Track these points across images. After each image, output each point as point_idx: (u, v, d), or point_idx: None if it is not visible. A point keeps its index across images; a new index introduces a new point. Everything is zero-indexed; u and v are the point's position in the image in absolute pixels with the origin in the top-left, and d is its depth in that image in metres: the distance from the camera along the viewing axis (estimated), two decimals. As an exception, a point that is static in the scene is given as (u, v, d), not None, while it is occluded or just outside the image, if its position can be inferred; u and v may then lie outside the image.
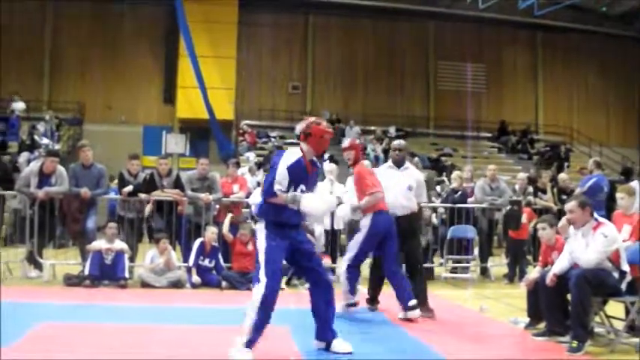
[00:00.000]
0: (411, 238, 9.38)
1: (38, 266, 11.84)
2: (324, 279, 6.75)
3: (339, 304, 8.44)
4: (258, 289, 6.22)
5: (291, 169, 6.39)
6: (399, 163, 9.53)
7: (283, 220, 6.48)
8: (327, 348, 6.70)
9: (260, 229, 6.52)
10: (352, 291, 8.87)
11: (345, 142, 9.35)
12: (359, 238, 8.81)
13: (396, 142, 9.87)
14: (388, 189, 9.13)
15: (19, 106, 26.28)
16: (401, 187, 9.30)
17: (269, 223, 6.47)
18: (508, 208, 13.27)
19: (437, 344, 7.16)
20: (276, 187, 6.34)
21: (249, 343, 6.20)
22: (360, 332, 7.84)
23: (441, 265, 13.65)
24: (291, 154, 6.49)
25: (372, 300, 9.46)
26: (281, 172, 6.36)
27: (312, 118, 6.90)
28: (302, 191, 6.46)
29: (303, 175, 6.51)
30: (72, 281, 11.04)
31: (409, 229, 9.32)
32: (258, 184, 12.98)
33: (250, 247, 11.63)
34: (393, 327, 8.30)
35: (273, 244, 6.40)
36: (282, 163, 6.40)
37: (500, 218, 14.14)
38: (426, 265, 11.65)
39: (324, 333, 6.73)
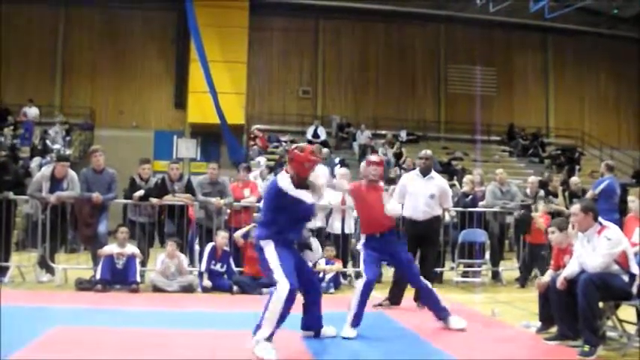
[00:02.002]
0: (427, 242, 10.25)
1: (50, 270, 11.90)
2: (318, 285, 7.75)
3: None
4: (282, 286, 6.67)
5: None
6: (424, 172, 10.31)
7: (288, 238, 7.20)
8: (317, 335, 7.52)
9: (266, 244, 7.03)
10: None
11: (375, 157, 9.20)
12: None
13: (423, 152, 10.62)
14: (412, 195, 10.20)
15: (32, 111, 26.41)
16: (424, 194, 10.13)
17: (277, 239, 7.05)
18: (520, 212, 13.26)
19: (448, 347, 7.18)
20: None
21: (270, 337, 6.60)
22: (368, 334, 7.84)
23: (452, 269, 13.62)
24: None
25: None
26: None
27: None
28: None
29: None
30: (83, 285, 11.08)
31: (427, 234, 10.22)
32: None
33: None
34: (404, 330, 8.31)
35: (284, 252, 6.96)
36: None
37: (512, 222, 14.12)
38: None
39: (315, 323, 7.50)
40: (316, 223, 12.50)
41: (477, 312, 9.89)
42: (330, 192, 12.64)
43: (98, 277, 10.98)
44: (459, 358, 6.75)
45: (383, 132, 28.21)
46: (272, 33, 29.27)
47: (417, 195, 10.18)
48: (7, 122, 25.76)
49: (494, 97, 30.82)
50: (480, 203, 13.79)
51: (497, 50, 30.99)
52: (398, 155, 25.59)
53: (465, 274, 13.54)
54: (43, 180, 11.77)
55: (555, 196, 15.18)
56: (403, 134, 28.55)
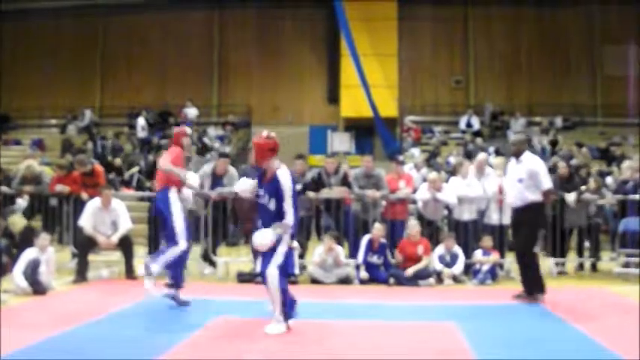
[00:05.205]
0: (518, 229, 10.03)
1: (212, 264, 12.38)
2: None
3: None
4: None
5: None
6: (515, 156, 10.02)
7: None
8: None
9: None
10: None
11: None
12: None
13: (513, 137, 10.70)
14: (507, 181, 10.46)
15: (191, 111, 27.46)
16: (512, 179, 9.99)
17: None
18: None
19: (612, 344, 6.91)
20: None
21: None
22: (529, 330, 7.75)
23: (612, 259, 13.24)
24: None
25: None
26: None
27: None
28: None
29: None
30: (244, 278, 11.49)
31: (518, 221, 9.97)
32: (424, 179, 13.04)
33: (420, 250, 11.59)
34: (565, 325, 8.11)
35: None
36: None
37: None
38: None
39: None
40: (471, 215, 12.44)
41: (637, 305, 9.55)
42: (486, 181, 12.61)
43: (258, 269, 11.33)
44: (625, 357, 6.45)
45: (537, 119, 27.58)
46: (421, 23, 28.96)
47: (508, 181, 10.27)
48: (168, 123, 26.84)
49: (655, 76, 29.40)
50: (641, 190, 13.30)
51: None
52: (553, 143, 24.98)
53: (626, 265, 13.09)
54: (204, 177, 12.24)
55: None
56: (558, 121, 27.73)
